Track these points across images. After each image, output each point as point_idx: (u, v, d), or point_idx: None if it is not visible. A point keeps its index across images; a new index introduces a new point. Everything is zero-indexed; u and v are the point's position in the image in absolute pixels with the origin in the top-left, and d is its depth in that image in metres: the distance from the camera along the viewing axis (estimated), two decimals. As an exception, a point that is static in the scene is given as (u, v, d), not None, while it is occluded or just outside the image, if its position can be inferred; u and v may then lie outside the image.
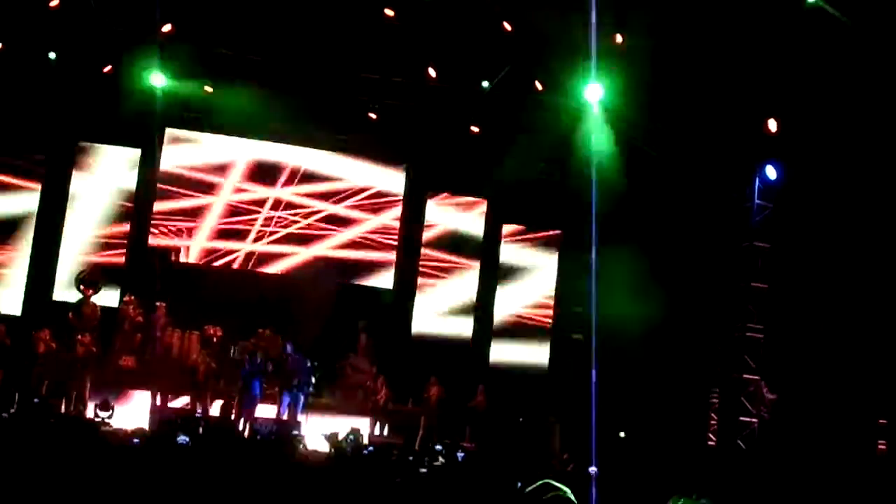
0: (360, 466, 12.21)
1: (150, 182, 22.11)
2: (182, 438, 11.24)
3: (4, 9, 18.87)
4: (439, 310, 22.87)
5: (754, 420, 19.29)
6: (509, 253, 23.24)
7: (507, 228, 23.21)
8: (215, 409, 17.89)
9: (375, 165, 23.02)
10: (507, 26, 18.52)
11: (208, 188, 22.46)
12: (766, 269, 19.75)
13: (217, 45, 20.31)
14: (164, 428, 14.54)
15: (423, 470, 11.18)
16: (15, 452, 8.13)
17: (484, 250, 23.09)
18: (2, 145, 21.39)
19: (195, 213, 22.39)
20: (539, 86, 20.05)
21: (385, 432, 19.39)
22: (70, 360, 18.37)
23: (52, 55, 20.28)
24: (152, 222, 22.16)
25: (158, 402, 18.30)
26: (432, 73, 20.04)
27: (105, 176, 21.97)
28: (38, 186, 21.65)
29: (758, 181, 19.67)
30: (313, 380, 18.87)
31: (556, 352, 22.54)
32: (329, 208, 22.78)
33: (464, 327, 22.84)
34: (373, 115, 21.55)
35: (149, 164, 22.07)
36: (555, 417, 19.69)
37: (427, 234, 23.05)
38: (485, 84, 20.61)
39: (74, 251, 21.59)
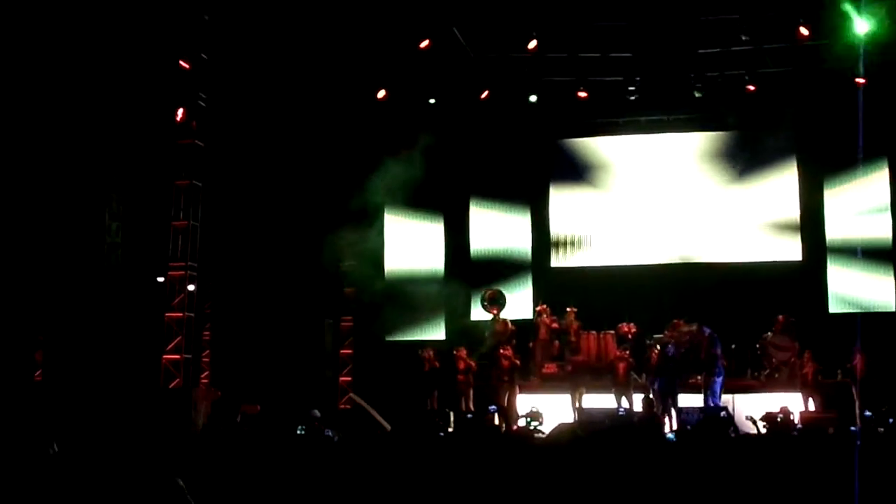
0: (795, 444, 11.95)
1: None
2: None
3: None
4: (855, 280, 21.58)
5: None
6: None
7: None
8: (637, 404, 18.06)
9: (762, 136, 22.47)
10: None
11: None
12: None
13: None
14: (595, 429, 14.87)
15: (858, 442, 10.74)
16: (459, 469, 8.61)
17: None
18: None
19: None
20: None
21: (816, 407, 18.68)
22: (496, 374, 19.38)
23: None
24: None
25: (582, 404, 18.77)
26: (804, 31, 19.02)
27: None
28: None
29: None
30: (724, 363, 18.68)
31: None
32: (721, 189, 22.50)
33: (884, 293, 21.36)
34: (751, 87, 20.89)
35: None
36: None
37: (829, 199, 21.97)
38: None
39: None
